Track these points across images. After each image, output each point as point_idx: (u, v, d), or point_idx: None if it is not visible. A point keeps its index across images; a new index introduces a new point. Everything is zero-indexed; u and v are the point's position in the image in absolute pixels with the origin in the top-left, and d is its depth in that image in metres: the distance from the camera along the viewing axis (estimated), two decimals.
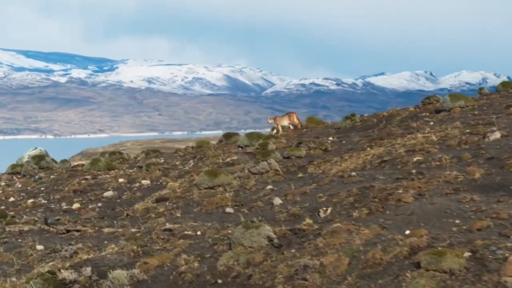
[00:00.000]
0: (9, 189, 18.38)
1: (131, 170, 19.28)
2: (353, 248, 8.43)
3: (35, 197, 17.02)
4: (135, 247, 9.77)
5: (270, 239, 9.15)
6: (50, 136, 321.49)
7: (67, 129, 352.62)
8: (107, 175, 18.64)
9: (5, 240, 12.37)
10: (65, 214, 14.72)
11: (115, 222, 13.55)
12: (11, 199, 17.13)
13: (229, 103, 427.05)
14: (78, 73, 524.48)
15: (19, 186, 18.79)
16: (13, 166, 21.17)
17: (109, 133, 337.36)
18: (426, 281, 7.20)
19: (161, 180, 17.11)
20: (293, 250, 8.87)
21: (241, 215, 11.80)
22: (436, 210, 9.68)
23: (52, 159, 22.31)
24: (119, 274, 8.72)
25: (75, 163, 24.88)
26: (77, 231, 12.55)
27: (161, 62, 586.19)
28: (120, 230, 12.31)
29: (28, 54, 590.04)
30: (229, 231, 10.17)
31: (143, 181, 17.27)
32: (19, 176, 20.30)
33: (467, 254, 7.60)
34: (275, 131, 23.66)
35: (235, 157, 18.49)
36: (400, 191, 10.91)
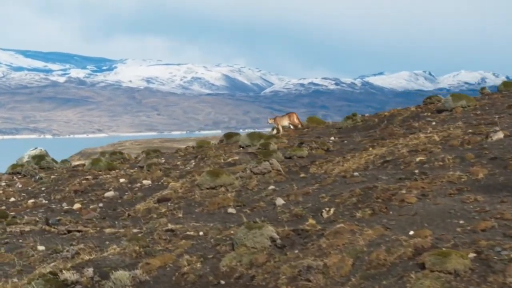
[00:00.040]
0: (10, 189, 18.32)
1: (132, 170, 19.22)
2: (357, 249, 8.39)
3: (35, 197, 16.96)
4: (137, 248, 9.72)
5: (273, 240, 9.11)
6: (48, 136, 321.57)
7: (66, 128, 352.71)
8: (108, 175, 18.58)
9: (6, 240, 12.31)
10: (66, 215, 14.67)
11: (116, 222, 13.50)
12: (12, 199, 17.08)
13: (228, 103, 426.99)
14: (77, 73, 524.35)
15: (20, 186, 18.74)
16: (14, 166, 21.11)
17: (107, 132, 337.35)
18: (430, 282, 7.16)
19: (162, 180, 17.04)
20: (296, 251, 8.82)
21: (243, 215, 11.76)
22: (440, 211, 9.65)
23: (53, 159, 22.27)
24: (121, 275, 8.69)
25: (75, 163, 24.85)
26: (79, 231, 12.50)
27: (160, 61, 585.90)
28: (122, 230, 12.27)
29: (27, 53, 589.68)
30: (232, 232, 10.13)
31: (144, 181, 17.21)
32: (20, 176, 20.24)
33: (471, 255, 7.56)
34: (275, 131, 23.62)
35: (236, 157, 18.43)
36: (403, 191, 10.87)
